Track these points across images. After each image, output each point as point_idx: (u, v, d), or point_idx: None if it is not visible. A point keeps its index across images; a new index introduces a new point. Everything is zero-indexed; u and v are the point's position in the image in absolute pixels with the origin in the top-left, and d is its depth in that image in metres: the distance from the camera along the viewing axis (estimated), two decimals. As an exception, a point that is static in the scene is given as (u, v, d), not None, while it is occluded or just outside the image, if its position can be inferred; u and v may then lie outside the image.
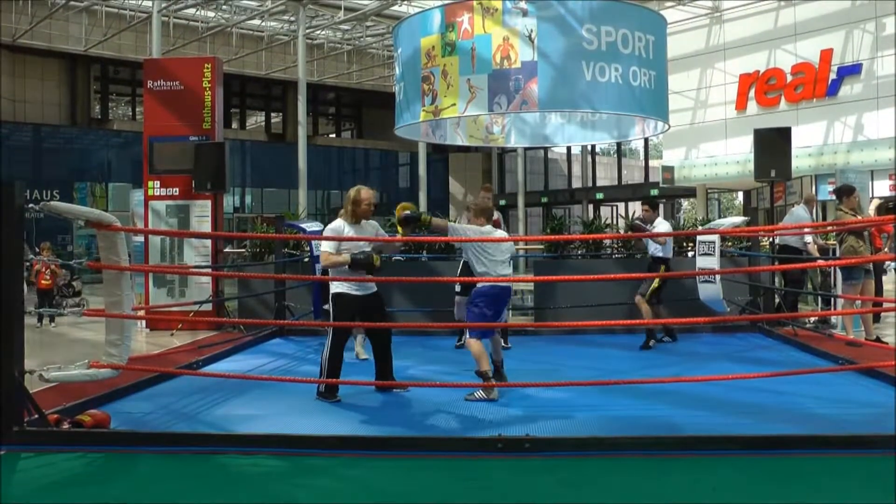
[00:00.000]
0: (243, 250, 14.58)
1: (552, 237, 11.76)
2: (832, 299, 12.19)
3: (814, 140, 24.01)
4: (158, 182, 13.04)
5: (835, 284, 11.70)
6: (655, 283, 9.86)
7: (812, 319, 11.38)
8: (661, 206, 36.13)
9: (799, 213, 12.22)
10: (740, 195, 34.83)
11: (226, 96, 14.20)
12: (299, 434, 5.46)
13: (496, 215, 9.65)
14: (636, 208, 31.81)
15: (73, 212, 5.89)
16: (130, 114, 35.15)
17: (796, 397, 6.83)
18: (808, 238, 11.86)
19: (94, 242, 23.54)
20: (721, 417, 6.26)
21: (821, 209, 23.33)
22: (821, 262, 11.86)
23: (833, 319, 11.24)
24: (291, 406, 6.81)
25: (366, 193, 7.26)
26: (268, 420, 6.29)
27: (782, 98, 25.20)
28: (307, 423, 6.10)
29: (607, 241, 13.41)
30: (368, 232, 7.32)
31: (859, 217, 10.39)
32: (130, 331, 6.03)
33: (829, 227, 12.39)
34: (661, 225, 10.29)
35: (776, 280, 12.32)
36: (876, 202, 11.31)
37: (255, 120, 40.86)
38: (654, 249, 10.04)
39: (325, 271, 8.34)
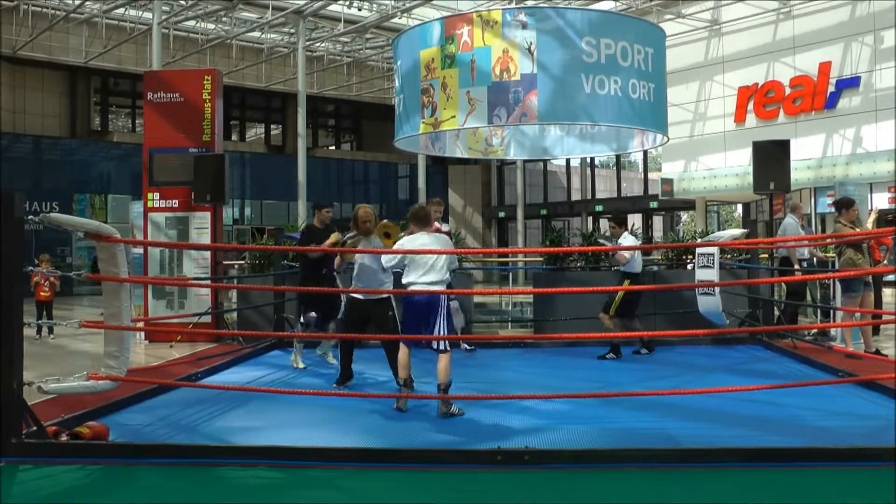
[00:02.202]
0: (242, 262, 14.57)
1: (551, 249, 11.75)
2: (832, 311, 12.18)
3: (813, 152, 24.08)
4: (158, 194, 13.05)
5: (834, 297, 11.70)
6: (618, 298, 9.97)
7: (812, 332, 11.37)
8: (629, 221, 36.22)
9: (788, 223, 12.19)
10: (739, 207, 34.90)
11: (225, 108, 14.24)
12: (298, 446, 5.45)
13: (446, 228, 10.00)
14: (635, 220, 31.89)
15: (73, 223, 5.89)
16: (130, 126, 35.21)
17: (796, 410, 6.82)
18: (792, 243, 11.86)
19: (93, 254, 23.60)
20: (721, 430, 6.25)
21: (820, 222, 23.38)
22: (819, 274, 11.86)
23: (833, 332, 11.24)
24: (290, 418, 6.81)
25: (361, 212, 7.97)
26: (267, 432, 6.28)
27: (781, 111, 25.27)
28: (306, 435, 6.09)
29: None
30: (374, 245, 7.86)
31: (858, 230, 10.40)
32: (129, 342, 6.03)
33: (829, 240, 12.39)
34: (626, 240, 10.34)
35: (775, 292, 12.31)
36: (874, 215, 11.32)
37: (255, 132, 40.92)
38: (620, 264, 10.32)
39: (308, 282, 9.32)
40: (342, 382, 8.23)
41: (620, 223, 10.37)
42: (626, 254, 9.93)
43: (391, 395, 7.46)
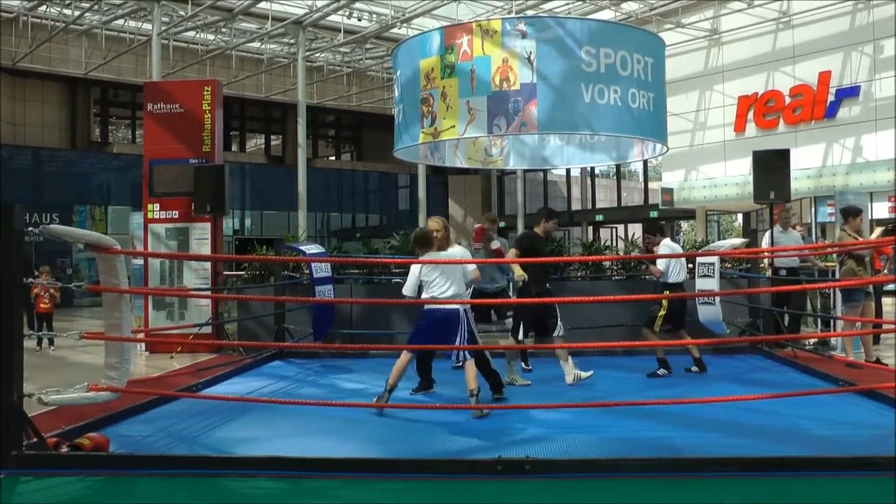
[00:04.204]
0: (243, 273, 14.57)
1: (552, 259, 11.77)
2: (832, 321, 12.18)
3: (813, 162, 24.11)
4: (158, 205, 13.08)
5: (834, 306, 11.70)
6: (662, 311, 9.46)
7: (812, 341, 11.36)
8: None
9: (774, 234, 12.13)
10: (739, 217, 34.89)
11: (225, 119, 14.27)
12: (299, 456, 5.45)
13: (497, 244, 9.91)
14: (636, 230, 31.89)
15: (73, 235, 5.90)
16: (130, 136, 35.26)
17: (797, 419, 6.83)
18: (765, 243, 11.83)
19: (93, 265, 23.60)
20: (722, 439, 6.27)
21: (820, 231, 23.37)
22: (820, 283, 11.87)
23: (833, 341, 11.23)
24: (291, 428, 6.82)
25: (432, 224, 7.97)
26: (267, 442, 6.29)
27: (781, 120, 25.31)
28: (307, 446, 6.10)
29: (607, 263, 13.42)
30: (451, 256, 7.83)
31: (860, 239, 10.41)
32: (129, 354, 6.03)
33: (829, 249, 12.40)
34: (662, 248, 10.10)
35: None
36: (879, 230, 11.30)
37: (255, 142, 40.99)
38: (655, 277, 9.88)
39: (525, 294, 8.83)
40: (422, 390, 8.29)
41: (655, 232, 9.76)
42: (661, 266, 9.51)
43: (392, 406, 7.47)
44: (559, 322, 8.87)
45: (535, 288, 8.76)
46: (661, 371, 9.55)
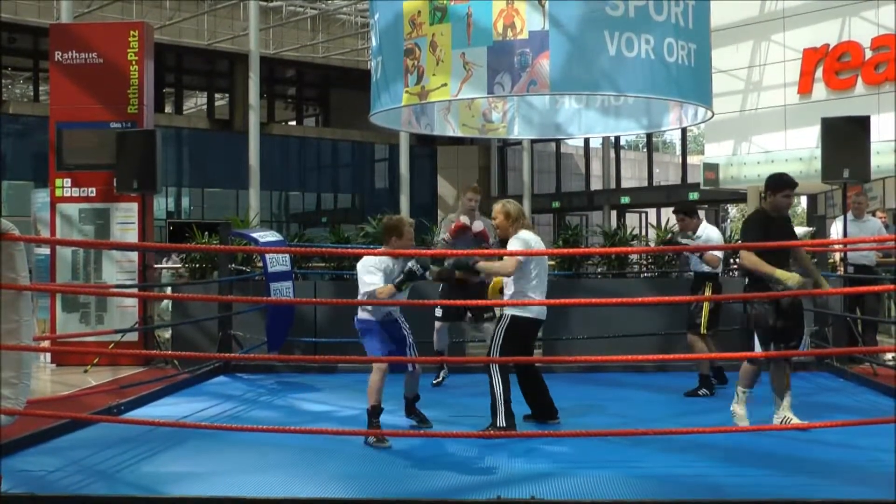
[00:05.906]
0: (179, 266, 14.55)
1: (565, 251, 11.77)
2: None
3: (900, 132, 24.05)
4: (69, 180, 13.02)
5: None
6: (706, 309, 9.56)
7: (894, 355, 11.36)
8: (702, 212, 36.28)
9: (847, 222, 12.12)
10: (804, 200, 34.95)
11: (157, 72, 14.22)
12: (249, 496, 5.44)
13: (480, 226, 9.88)
14: (671, 216, 32.00)
15: (-46, 218, 5.86)
16: (31, 94, 35.10)
17: (876, 452, 6.78)
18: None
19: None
20: (780, 478, 6.26)
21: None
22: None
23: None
24: (238, 462, 6.81)
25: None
26: (209, 479, 6.29)
27: (859, 79, 25.22)
28: (259, 483, 6.08)
29: (634, 257, 13.41)
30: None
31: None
32: (30, 366, 5.98)
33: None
34: (709, 231, 10.11)
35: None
36: None
37: (195, 102, 40.96)
38: (697, 264, 9.90)
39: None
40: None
41: (690, 213, 9.91)
42: (718, 252, 9.62)
43: (369, 432, 7.45)
44: (806, 335, 8.37)
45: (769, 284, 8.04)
46: (703, 391, 9.61)
